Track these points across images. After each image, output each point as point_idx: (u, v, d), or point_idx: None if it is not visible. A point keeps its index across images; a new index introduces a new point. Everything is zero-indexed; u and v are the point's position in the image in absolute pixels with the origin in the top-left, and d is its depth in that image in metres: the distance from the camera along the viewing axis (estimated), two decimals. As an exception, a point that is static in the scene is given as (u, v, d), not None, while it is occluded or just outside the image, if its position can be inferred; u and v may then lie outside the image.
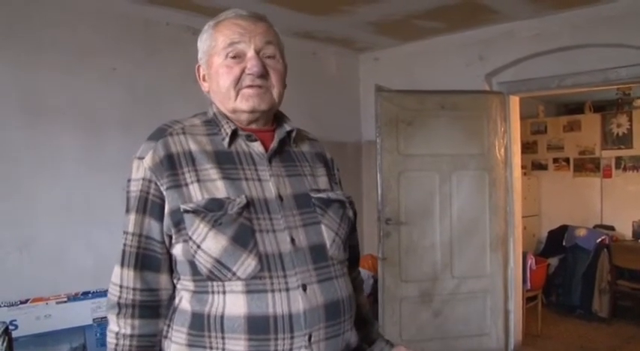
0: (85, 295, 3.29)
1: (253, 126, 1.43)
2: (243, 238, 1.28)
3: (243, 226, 1.28)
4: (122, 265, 1.35)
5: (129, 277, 1.34)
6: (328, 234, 1.38)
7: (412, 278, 4.46)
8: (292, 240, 1.32)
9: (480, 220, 4.55)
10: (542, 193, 7.74)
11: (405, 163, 4.47)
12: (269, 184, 1.36)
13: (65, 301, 3.24)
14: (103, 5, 3.75)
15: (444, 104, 4.49)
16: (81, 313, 3.25)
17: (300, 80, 4.91)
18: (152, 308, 1.36)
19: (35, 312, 3.13)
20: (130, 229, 1.35)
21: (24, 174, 3.40)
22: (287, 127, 1.45)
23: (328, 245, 1.37)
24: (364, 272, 4.84)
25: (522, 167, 6.00)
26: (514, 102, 4.90)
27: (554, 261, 6.32)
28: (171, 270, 1.37)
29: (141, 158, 1.36)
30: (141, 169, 1.35)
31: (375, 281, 4.65)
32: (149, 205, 1.34)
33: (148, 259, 1.35)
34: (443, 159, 4.51)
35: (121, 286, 1.34)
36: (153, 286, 1.35)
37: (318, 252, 1.35)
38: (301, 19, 4.46)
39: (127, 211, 1.36)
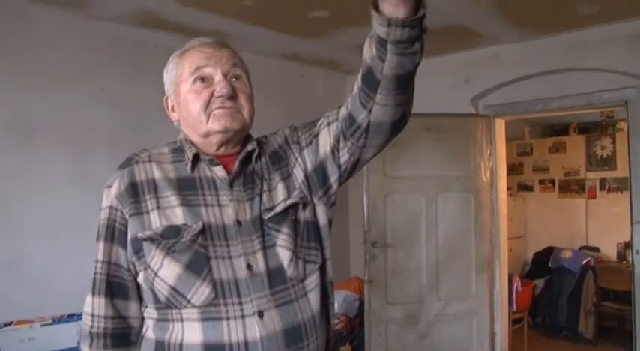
0: (71, 317, 3.25)
1: (222, 150, 1.43)
2: (197, 265, 1.28)
3: (197, 253, 1.29)
4: (93, 293, 1.36)
5: (100, 304, 1.35)
6: (284, 254, 1.36)
7: (398, 300, 4.46)
8: (249, 266, 1.31)
9: (466, 242, 4.57)
10: (528, 215, 7.78)
11: (391, 185, 4.49)
12: (228, 210, 1.35)
13: (50, 324, 3.19)
14: (92, 26, 3.76)
15: (430, 126, 4.53)
16: (66, 336, 3.19)
17: (287, 101, 4.96)
18: (123, 336, 1.36)
19: (19, 335, 3.07)
20: (100, 257, 1.36)
21: (12, 194, 3.38)
22: (248, 148, 1.44)
23: (286, 266, 1.35)
24: (350, 295, 4.84)
25: (508, 189, 6.03)
26: (500, 125, 4.95)
27: (540, 282, 6.35)
28: (141, 298, 1.38)
29: (109, 187, 1.39)
30: (109, 197, 1.38)
31: (362, 303, 4.65)
32: (116, 233, 1.36)
33: (117, 286, 1.36)
34: (429, 181, 4.53)
35: (92, 315, 1.35)
36: (123, 313, 1.36)
37: (276, 275, 1.34)
38: (289, 41, 4.50)
39: (97, 239, 1.38)
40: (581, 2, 3.72)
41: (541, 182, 7.86)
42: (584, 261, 6.03)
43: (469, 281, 4.57)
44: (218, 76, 1.38)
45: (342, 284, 4.95)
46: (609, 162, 7.23)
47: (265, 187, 1.42)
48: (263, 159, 1.46)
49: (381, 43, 1.18)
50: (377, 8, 1.13)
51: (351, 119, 1.36)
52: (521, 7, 3.81)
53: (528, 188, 7.94)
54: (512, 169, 7.79)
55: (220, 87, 1.37)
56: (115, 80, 3.87)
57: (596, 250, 6.89)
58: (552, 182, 7.75)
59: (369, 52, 1.23)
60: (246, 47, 4.52)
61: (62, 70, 3.60)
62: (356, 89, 1.33)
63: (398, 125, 1.37)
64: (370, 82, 1.26)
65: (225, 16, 3.88)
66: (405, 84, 1.26)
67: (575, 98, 4.45)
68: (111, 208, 1.37)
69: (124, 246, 1.35)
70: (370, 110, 1.31)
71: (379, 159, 4.41)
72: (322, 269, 1.44)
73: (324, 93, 5.46)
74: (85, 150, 3.70)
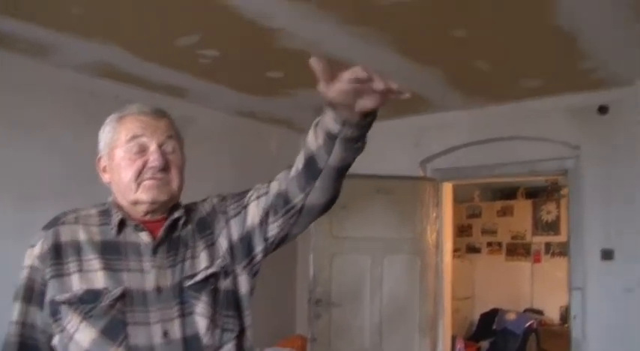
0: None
1: (149, 216, 1.44)
2: (114, 331, 1.28)
3: (114, 318, 1.29)
4: None
5: None
6: (202, 322, 1.37)
7: (342, 360, 4.46)
8: (165, 333, 1.32)
9: (410, 304, 4.62)
10: (475, 276, 7.89)
11: (339, 245, 4.54)
12: (150, 276, 1.36)
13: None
14: (49, 76, 3.77)
15: (379, 188, 4.62)
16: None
17: (241, 159, 5.01)
18: None
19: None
20: (15, 318, 1.35)
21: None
22: (175, 215, 1.45)
23: (202, 334, 1.36)
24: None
25: (457, 250, 6.15)
26: (447, 188, 5.09)
27: (485, 344, 6.41)
28: None
29: (32, 246, 1.39)
30: (30, 257, 1.38)
31: (306, 362, 4.63)
32: (34, 294, 1.35)
33: (31, 349, 1.34)
34: (376, 242, 4.60)
35: None
36: None
37: (191, 343, 1.34)
38: (246, 99, 4.59)
39: (14, 298, 1.37)
40: (525, 76, 3.92)
41: (489, 244, 8.02)
42: (528, 324, 6.14)
43: (412, 342, 4.60)
44: (153, 147, 1.41)
45: (284, 342, 4.92)
46: (554, 226, 7.45)
47: (189, 255, 1.43)
48: (190, 226, 1.48)
49: (331, 137, 1.27)
50: (331, 103, 1.22)
51: (285, 198, 1.42)
52: (468, 78, 3.99)
53: (477, 250, 8.08)
54: (462, 231, 7.95)
55: (154, 158, 1.40)
56: (68, 130, 3.85)
57: (540, 312, 7.02)
58: (500, 245, 7.92)
59: (314, 141, 1.32)
60: (203, 103, 4.61)
61: (14, 120, 3.59)
62: (294, 172, 1.39)
63: (329, 206, 1.45)
64: (312, 169, 1.35)
65: (184, 73, 3.96)
66: (344, 173, 1.37)
67: (519, 166, 4.62)
68: (32, 267, 1.37)
69: (41, 307, 1.34)
70: (307, 194, 1.38)
71: (327, 219, 4.48)
72: (240, 337, 1.45)
73: (278, 151, 5.53)
74: (33, 200, 3.64)
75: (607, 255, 4.09)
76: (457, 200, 6.17)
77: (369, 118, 1.23)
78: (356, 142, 1.27)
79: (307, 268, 4.71)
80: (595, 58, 3.56)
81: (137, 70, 3.86)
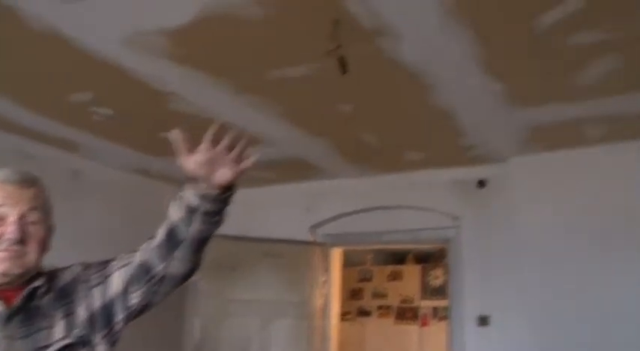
0: None
1: (5, 286, 1.40)
2: None
3: None
4: None
5: None
6: None
7: None
8: None
9: (296, 368, 4.63)
10: (366, 340, 7.98)
11: (226, 309, 4.53)
12: None
13: None
14: None
15: (269, 251, 4.68)
16: None
17: (133, 216, 4.93)
18: None
19: None
20: None
21: None
22: (35, 283, 1.42)
23: None
24: None
25: (348, 313, 6.23)
26: (336, 253, 5.20)
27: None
28: None
29: None
30: None
31: None
32: None
33: None
34: (264, 306, 4.62)
35: None
36: None
37: None
38: (140, 157, 4.58)
39: None
40: (409, 149, 4.14)
41: (379, 308, 8.16)
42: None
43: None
44: (11, 218, 1.39)
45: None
46: (442, 291, 7.67)
47: (45, 324, 1.39)
48: (50, 294, 1.45)
49: (191, 210, 1.35)
50: (191, 177, 1.30)
51: (147, 268, 1.45)
52: (356, 149, 4.17)
53: (367, 313, 8.19)
54: (353, 294, 8.08)
55: (10, 230, 1.38)
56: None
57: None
58: (390, 308, 8.07)
59: (176, 214, 1.39)
60: (97, 158, 4.55)
61: None
62: (156, 243, 1.44)
63: (189, 276, 1.50)
64: (173, 241, 1.41)
65: (77, 128, 3.93)
66: (203, 245, 1.44)
67: (404, 234, 4.82)
68: None
69: None
70: (168, 265, 1.43)
71: (216, 281, 4.47)
72: None
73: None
74: None
75: (483, 321, 4.29)
76: (349, 264, 6.29)
77: (227, 193, 1.32)
78: (214, 216, 1.36)
79: (193, 332, 4.64)
80: (473, 136, 3.83)
81: (29, 122, 3.79)
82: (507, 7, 2.33)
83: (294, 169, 4.69)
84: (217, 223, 1.39)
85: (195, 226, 1.37)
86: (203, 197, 1.33)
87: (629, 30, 2.50)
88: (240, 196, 5.01)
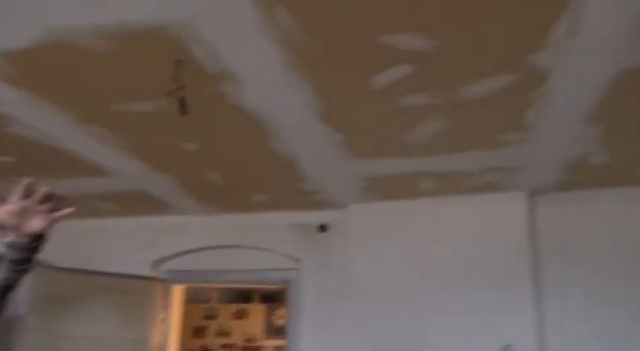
0: None
1: None
2: None
3: None
4: None
5: None
6: None
7: None
8: None
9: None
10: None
11: (59, 346, 4.31)
12: None
13: None
14: None
15: (107, 286, 4.54)
16: None
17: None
18: None
19: None
20: None
21: None
22: None
23: None
24: None
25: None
26: (177, 290, 5.13)
27: None
28: None
29: None
30: None
31: None
32: None
33: None
34: (102, 342, 4.45)
35: None
36: None
37: None
38: None
39: None
40: (253, 191, 4.23)
41: (223, 346, 8.09)
42: None
43: None
44: None
45: None
46: (285, 331, 7.75)
47: None
48: None
49: None
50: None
51: None
52: (201, 187, 4.20)
53: (210, 352, 8.10)
54: (197, 332, 7.95)
55: None
56: None
57: None
58: (234, 347, 8.03)
59: None
60: None
61: None
62: None
63: None
64: None
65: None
66: (8, 292, 1.44)
67: (247, 273, 4.88)
68: None
69: None
70: None
71: (46, 316, 4.26)
72: None
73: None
74: None
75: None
76: (194, 301, 6.18)
77: (37, 241, 1.32)
78: (20, 264, 1.37)
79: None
80: (314, 182, 4.00)
81: None
82: (344, 65, 2.49)
83: (138, 203, 4.62)
84: (24, 272, 1.40)
85: (1, 275, 1.37)
86: (11, 245, 1.33)
87: (454, 97, 2.75)
88: (80, 226, 4.88)
